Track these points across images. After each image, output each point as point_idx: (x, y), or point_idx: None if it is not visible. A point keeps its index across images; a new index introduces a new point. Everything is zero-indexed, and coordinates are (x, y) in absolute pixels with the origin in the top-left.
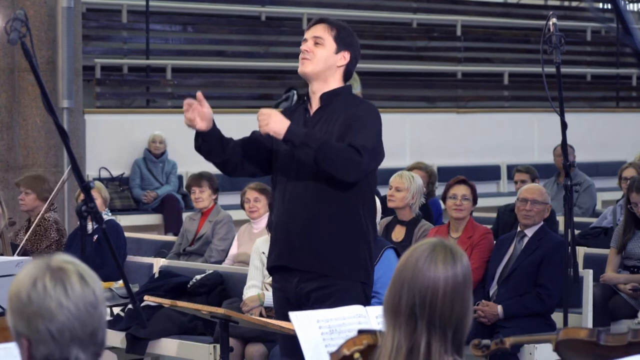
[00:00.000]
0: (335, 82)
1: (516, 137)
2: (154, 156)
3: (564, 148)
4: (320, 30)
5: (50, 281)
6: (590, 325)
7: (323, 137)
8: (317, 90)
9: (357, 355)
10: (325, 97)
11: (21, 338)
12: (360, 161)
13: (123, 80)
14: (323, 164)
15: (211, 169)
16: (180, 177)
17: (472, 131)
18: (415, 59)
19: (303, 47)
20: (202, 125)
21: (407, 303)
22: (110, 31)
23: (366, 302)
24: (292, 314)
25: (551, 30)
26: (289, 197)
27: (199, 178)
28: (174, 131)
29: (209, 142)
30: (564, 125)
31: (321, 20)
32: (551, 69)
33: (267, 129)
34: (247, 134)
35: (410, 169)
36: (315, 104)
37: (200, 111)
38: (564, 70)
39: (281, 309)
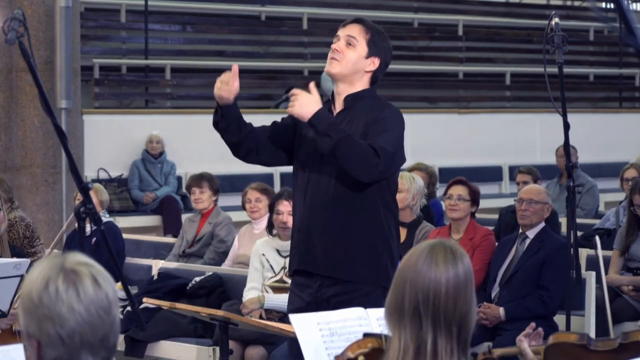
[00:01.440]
0: (361, 85)
1: (518, 137)
2: (152, 156)
3: (567, 149)
4: (355, 31)
5: (63, 284)
6: (593, 327)
7: (347, 131)
8: (342, 92)
9: (361, 358)
10: (350, 100)
11: (31, 339)
12: (377, 163)
13: (122, 81)
14: (340, 158)
15: (211, 169)
16: (179, 178)
17: (473, 132)
18: (416, 59)
19: (334, 45)
20: (231, 96)
21: (411, 303)
22: (108, 31)
23: None
24: (293, 316)
25: (553, 30)
26: (310, 200)
27: (200, 179)
28: (173, 132)
29: (227, 118)
30: (566, 126)
31: (358, 20)
32: (553, 69)
33: (291, 110)
34: None
35: (410, 169)
36: (339, 106)
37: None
38: (567, 70)
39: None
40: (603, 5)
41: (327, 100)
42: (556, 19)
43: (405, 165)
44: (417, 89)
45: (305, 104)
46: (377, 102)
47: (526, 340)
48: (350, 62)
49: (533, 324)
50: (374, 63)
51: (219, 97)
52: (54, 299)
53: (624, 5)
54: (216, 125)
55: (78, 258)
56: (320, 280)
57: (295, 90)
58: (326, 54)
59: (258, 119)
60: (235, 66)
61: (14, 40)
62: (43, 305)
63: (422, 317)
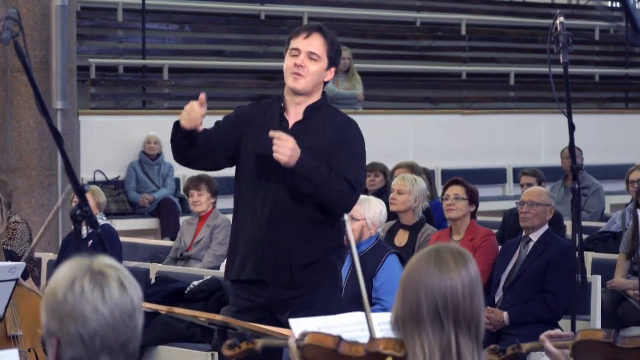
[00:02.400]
0: (318, 95)
1: (523, 139)
2: (150, 158)
3: (572, 150)
4: (317, 46)
5: (89, 284)
6: None
7: (326, 173)
8: (301, 103)
9: (389, 359)
10: (310, 111)
11: (52, 337)
12: (354, 200)
13: (119, 81)
14: (320, 198)
15: (211, 172)
16: (177, 180)
17: (477, 133)
18: (419, 59)
19: (297, 61)
20: (197, 124)
21: (429, 307)
22: (105, 30)
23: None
24: (293, 321)
25: (559, 29)
26: (271, 208)
27: (198, 181)
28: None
29: (188, 139)
30: (571, 127)
31: (317, 30)
32: (559, 70)
33: (277, 158)
34: None
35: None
36: (296, 116)
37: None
38: (572, 70)
39: (247, 315)
40: (609, 4)
41: (278, 102)
42: (561, 19)
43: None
44: (419, 89)
45: (291, 152)
46: (334, 113)
47: (549, 340)
48: (315, 77)
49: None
50: (332, 73)
51: (184, 126)
52: (78, 298)
53: (630, 4)
54: (174, 143)
55: (107, 261)
56: (274, 286)
57: (276, 134)
58: None
59: None
60: (203, 95)
61: (9, 40)
62: (67, 303)
63: (443, 319)
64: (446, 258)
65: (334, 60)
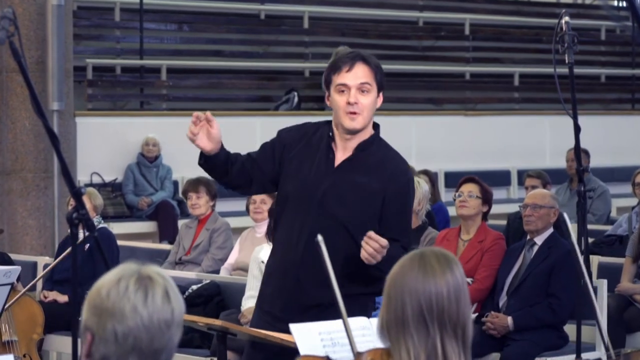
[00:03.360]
0: (370, 128)
1: (527, 140)
2: (148, 160)
3: (577, 152)
4: (365, 75)
5: (134, 284)
6: (605, 337)
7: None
8: (351, 138)
9: None
10: (360, 148)
11: (87, 332)
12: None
13: (116, 82)
14: (378, 272)
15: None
16: (175, 183)
17: (480, 134)
18: (421, 59)
19: (350, 99)
20: (207, 145)
21: (414, 310)
22: (102, 30)
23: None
24: (293, 326)
25: (564, 29)
26: (306, 241)
27: (196, 183)
28: (169, 135)
29: (211, 162)
30: (577, 129)
31: (361, 58)
32: (564, 70)
33: (366, 257)
34: (245, 136)
35: None
36: (344, 151)
37: (208, 130)
38: (577, 70)
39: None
40: (615, 3)
41: (322, 125)
42: (566, 18)
43: None
44: (422, 90)
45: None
46: (385, 149)
47: None
48: (370, 109)
49: None
50: (381, 97)
51: (194, 143)
52: (121, 295)
53: (636, 3)
54: (201, 166)
55: (157, 269)
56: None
57: (372, 236)
58: (328, 54)
59: (257, 121)
60: (208, 113)
61: (4, 39)
62: (109, 298)
63: (428, 322)
64: (430, 262)
65: (382, 84)
